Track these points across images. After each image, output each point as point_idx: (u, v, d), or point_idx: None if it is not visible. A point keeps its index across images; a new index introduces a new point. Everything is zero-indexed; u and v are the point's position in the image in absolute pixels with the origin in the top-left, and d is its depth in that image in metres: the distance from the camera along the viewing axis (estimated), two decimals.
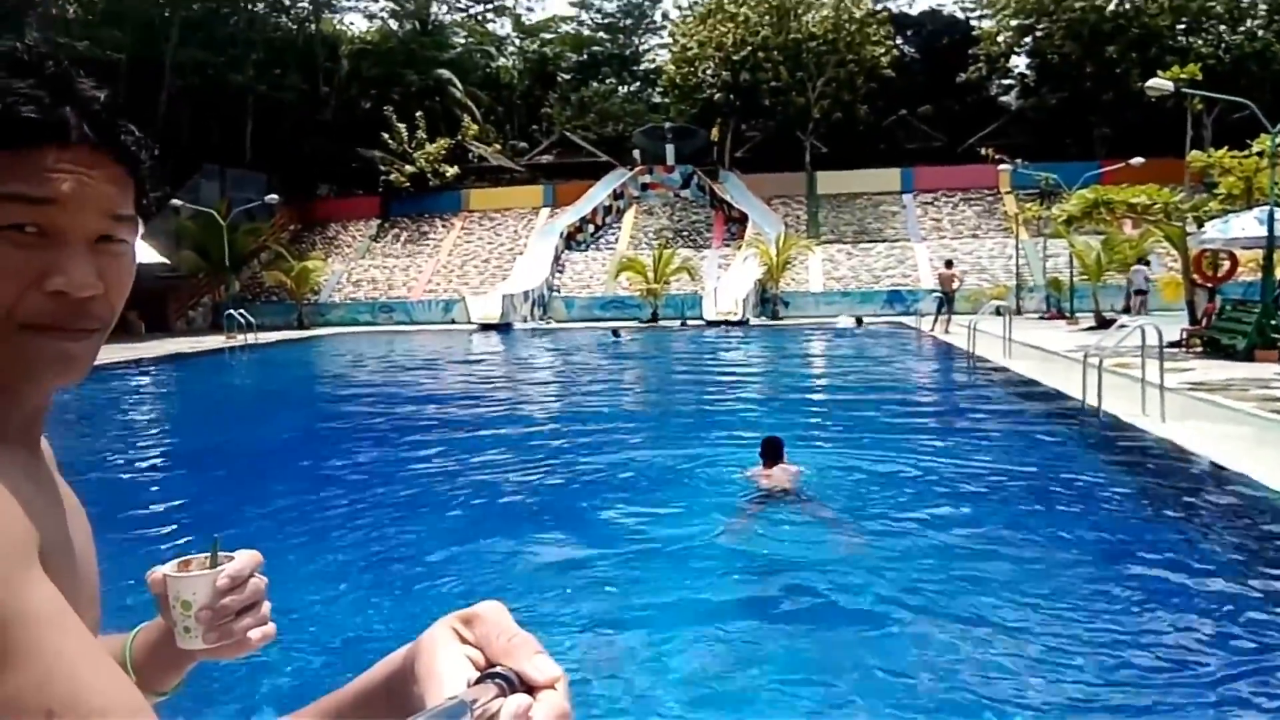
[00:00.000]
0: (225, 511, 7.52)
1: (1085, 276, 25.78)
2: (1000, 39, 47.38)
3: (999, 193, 38.66)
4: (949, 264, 26.83)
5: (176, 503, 7.81)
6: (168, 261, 32.88)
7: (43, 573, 0.66)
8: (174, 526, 6.93)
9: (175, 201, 32.78)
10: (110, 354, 21.31)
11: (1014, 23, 46.07)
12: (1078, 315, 25.68)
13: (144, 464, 9.93)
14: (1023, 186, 36.58)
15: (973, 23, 53.94)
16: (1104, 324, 22.15)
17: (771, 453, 7.18)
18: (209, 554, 1.00)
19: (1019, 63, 50.43)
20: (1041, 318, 27.35)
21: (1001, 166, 34.29)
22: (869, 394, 13.46)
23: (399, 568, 5.75)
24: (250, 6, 46.84)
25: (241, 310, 27.40)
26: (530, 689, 0.64)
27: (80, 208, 0.75)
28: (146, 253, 31.79)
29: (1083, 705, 3.70)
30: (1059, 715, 3.64)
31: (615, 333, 25.57)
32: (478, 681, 0.65)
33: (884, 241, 36.92)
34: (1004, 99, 53.71)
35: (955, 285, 25.48)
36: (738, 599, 5.06)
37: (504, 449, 9.60)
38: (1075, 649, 4.17)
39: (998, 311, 22.38)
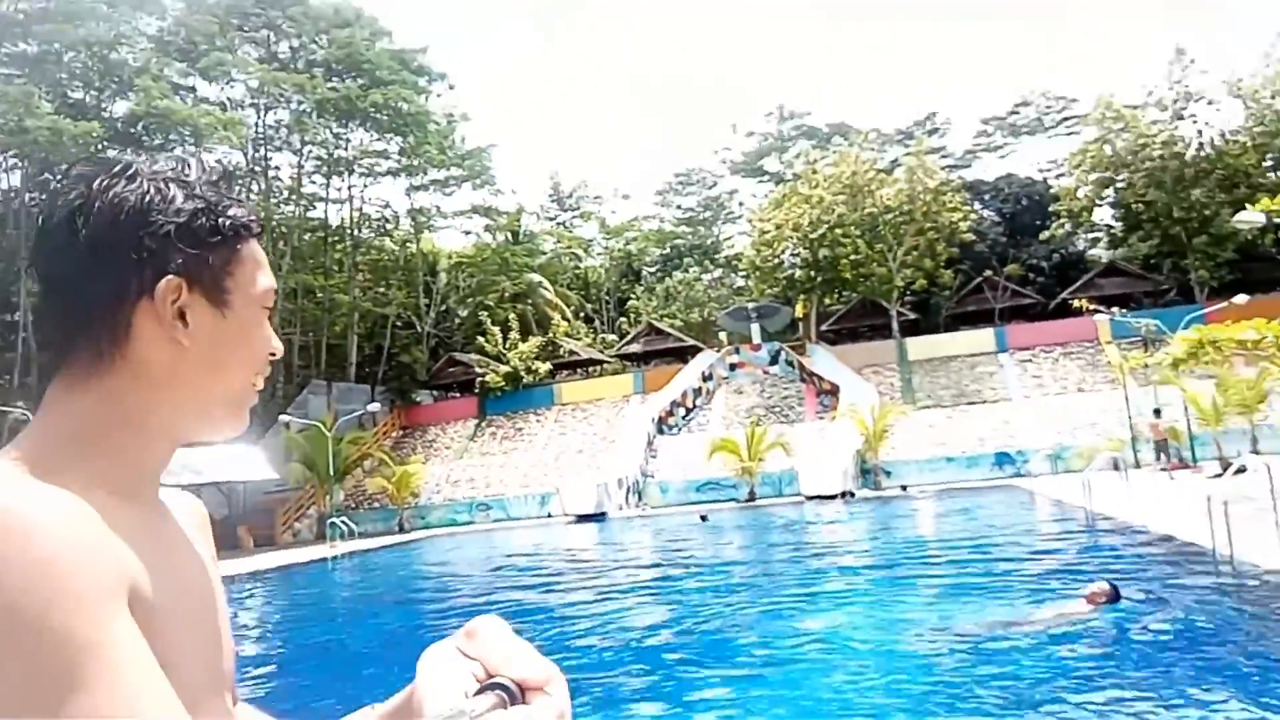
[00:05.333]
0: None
1: (1203, 422, 24.36)
2: (1081, 194, 47.36)
3: (1099, 344, 37.55)
4: (1157, 413, 25.88)
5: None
6: (278, 476, 34.16)
7: (127, 612, 0.70)
8: None
9: (284, 418, 34.32)
10: (223, 568, 21.75)
11: (1093, 177, 46.11)
12: (1200, 463, 24.08)
13: (250, 666, 9.92)
14: (1123, 336, 35.49)
15: (1050, 182, 54.38)
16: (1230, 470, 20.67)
17: (1111, 595, 7.75)
18: None
19: (1103, 215, 50.16)
20: (1161, 469, 25.73)
21: (1099, 317, 33.44)
22: (994, 557, 12.69)
23: None
24: (356, 233, 50.57)
25: (344, 518, 27.92)
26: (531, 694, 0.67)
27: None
28: (261, 469, 33.20)
29: None
30: None
31: (703, 517, 25.12)
32: (478, 693, 0.66)
33: (984, 403, 35.88)
34: (1092, 252, 53.21)
35: (1163, 435, 24.78)
36: None
37: (605, 638, 9.19)
38: None
39: (1115, 466, 21.17)
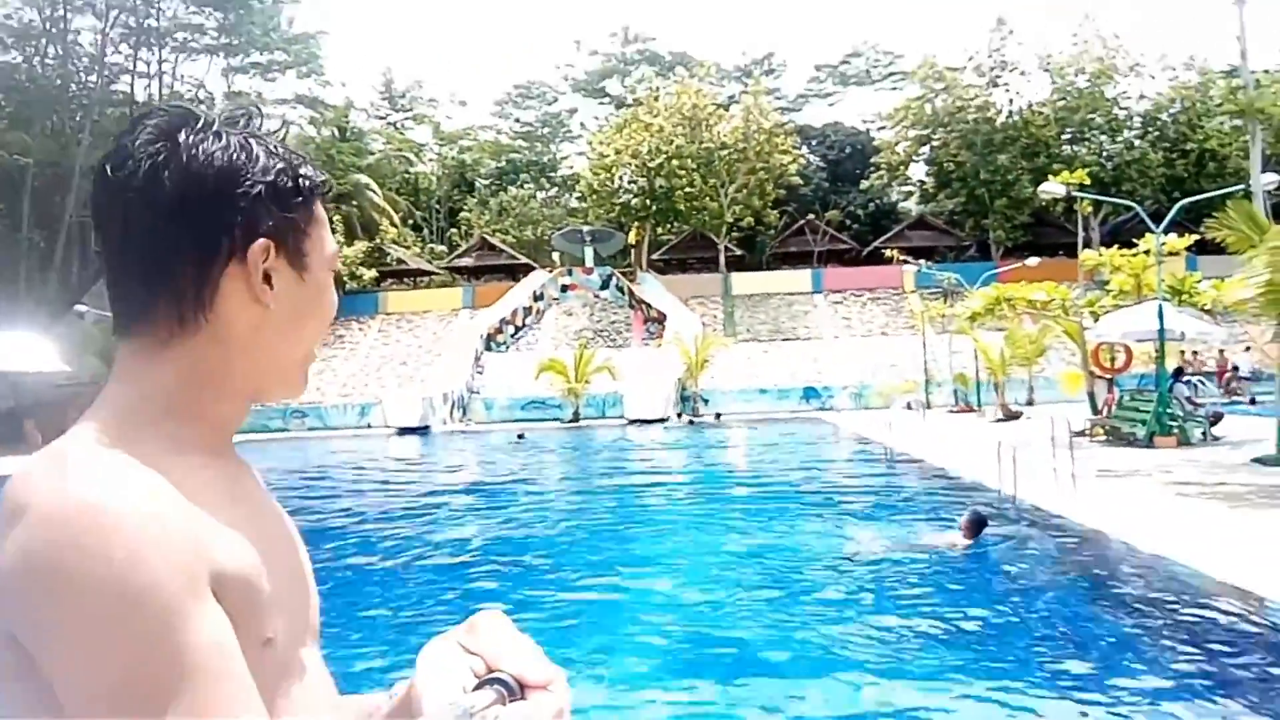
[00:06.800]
0: None
1: (990, 371, 26.81)
2: (899, 148, 50.05)
3: (904, 292, 40.26)
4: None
5: None
6: (69, 369, 31.76)
7: (209, 602, 0.69)
8: None
9: (80, 308, 31.89)
10: (4, 468, 20.24)
11: (912, 133, 48.79)
12: (985, 408, 26.57)
13: None
14: (926, 286, 38.20)
15: (873, 134, 57.05)
16: (1010, 416, 22.99)
17: (975, 526, 8.04)
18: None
19: (917, 170, 53.26)
20: (951, 411, 28.23)
21: (906, 267, 35.87)
22: (806, 486, 13.63)
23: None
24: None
25: None
26: (531, 690, 0.68)
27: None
28: (50, 360, 30.74)
29: None
30: None
31: (520, 436, 25.50)
32: (477, 688, 0.67)
33: (797, 339, 37.91)
34: (904, 205, 56.51)
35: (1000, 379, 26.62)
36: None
37: (429, 557, 9.40)
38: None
39: (909, 406, 23.11)
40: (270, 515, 0.88)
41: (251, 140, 0.84)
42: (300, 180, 0.85)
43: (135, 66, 45.45)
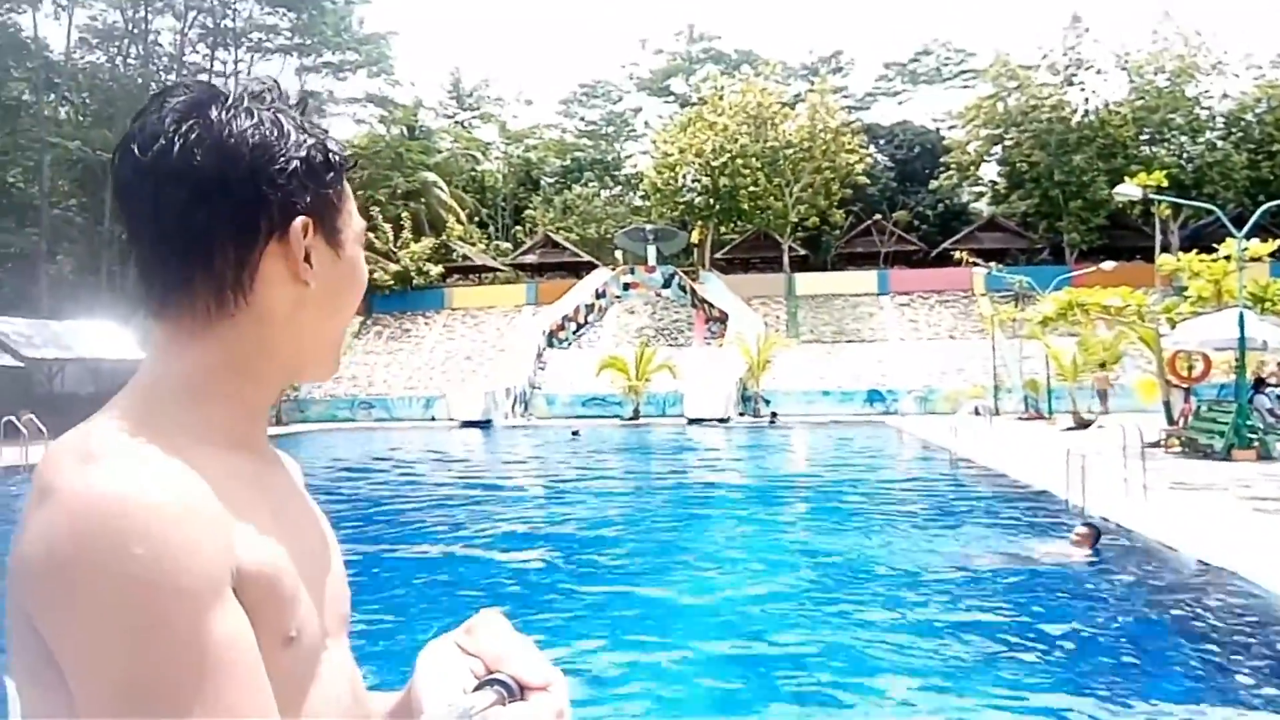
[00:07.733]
0: None
1: (1062, 377, 26.15)
2: (970, 148, 49.06)
3: (973, 295, 39.47)
4: (1103, 365, 27.29)
5: None
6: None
7: (232, 604, 0.68)
8: None
9: None
10: None
11: (984, 133, 47.77)
12: (1055, 415, 25.93)
13: None
14: (996, 289, 37.40)
15: (943, 133, 56.03)
16: (1082, 424, 22.38)
17: (1093, 536, 8.02)
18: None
19: (989, 171, 52.14)
20: (1020, 418, 27.59)
21: (976, 270, 35.17)
22: (878, 492, 13.47)
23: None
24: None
25: None
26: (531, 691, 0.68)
27: None
28: (131, 349, 31.73)
29: None
30: None
31: (575, 433, 25.59)
32: (476, 689, 0.67)
33: (862, 342, 37.42)
34: (975, 206, 55.39)
35: (1109, 385, 26.71)
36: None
37: (476, 550, 9.49)
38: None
39: (976, 412, 22.62)
40: (300, 508, 0.87)
41: (280, 115, 0.82)
42: (331, 155, 0.84)
43: (212, 66, 46.79)
